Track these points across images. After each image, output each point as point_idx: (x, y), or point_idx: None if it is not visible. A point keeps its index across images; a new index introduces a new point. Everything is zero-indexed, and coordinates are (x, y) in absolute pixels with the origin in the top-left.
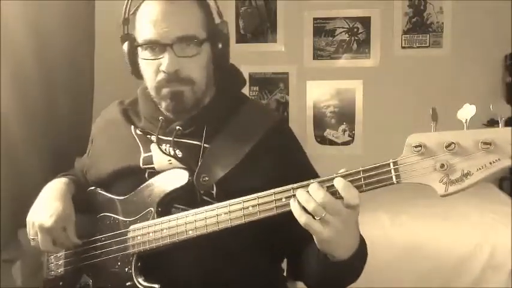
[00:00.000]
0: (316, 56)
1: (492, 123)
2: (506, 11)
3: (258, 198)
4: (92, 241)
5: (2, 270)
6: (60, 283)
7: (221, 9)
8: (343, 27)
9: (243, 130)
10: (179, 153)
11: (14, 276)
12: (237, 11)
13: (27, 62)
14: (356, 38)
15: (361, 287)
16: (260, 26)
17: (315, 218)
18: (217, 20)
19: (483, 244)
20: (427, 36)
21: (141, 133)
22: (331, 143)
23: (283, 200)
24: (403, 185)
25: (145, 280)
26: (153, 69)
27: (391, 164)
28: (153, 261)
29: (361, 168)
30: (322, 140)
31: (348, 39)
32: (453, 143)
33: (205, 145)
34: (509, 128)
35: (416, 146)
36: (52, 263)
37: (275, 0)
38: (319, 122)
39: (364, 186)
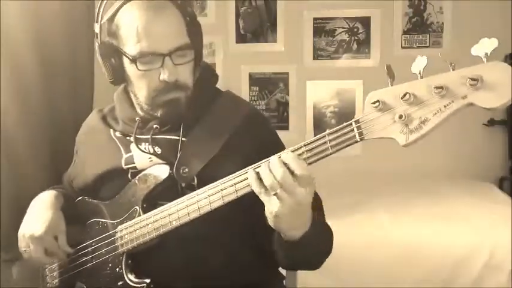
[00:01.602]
0: (316, 56)
1: (492, 123)
2: (506, 11)
3: (234, 178)
4: (83, 247)
5: (2, 270)
6: None
7: (221, 9)
8: (343, 27)
9: (219, 121)
10: (158, 150)
11: (14, 276)
12: (237, 11)
13: (27, 62)
14: (356, 38)
15: (361, 287)
16: (260, 26)
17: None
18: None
19: (483, 244)
20: (427, 36)
21: (120, 135)
22: None
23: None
24: (403, 184)
25: (136, 277)
26: (150, 79)
27: (353, 123)
28: (142, 257)
29: (326, 132)
30: None
31: (348, 39)
32: (408, 93)
33: (183, 139)
34: (459, 70)
35: (374, 102)
36: (47, 276)
37: (275, 0)
38: (319, 122)
39: (330, 148)
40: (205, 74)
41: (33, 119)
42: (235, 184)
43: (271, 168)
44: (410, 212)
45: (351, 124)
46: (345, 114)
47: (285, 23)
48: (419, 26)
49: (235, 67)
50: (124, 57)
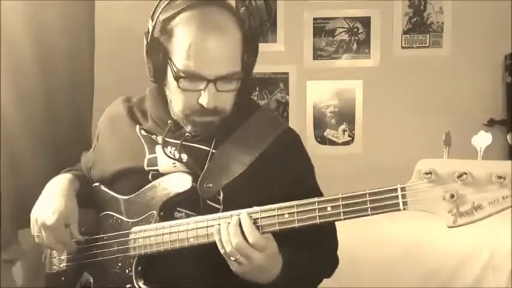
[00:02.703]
0: (316, 56)
1: (492, 123)
2: (506, 11)
3: (261, 212)
4: (94, 239)
5: (2, 270)
6: (62, 278)
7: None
8: (343, 27)
9: (251, 138)
10: (184, 157)
11: (14, 277)
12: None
13: (27, 62)
14: (356, 38)
15: (361, 287)
16: (260, 26)
17: None
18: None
19: (483, 244)
20: (427, 36)
21: (146, 134)
22: (331, 143)
23: (286, 216)
24: (404, 184)
25: (145, 283)
26: (188, 97)
27: (399, 190)
28: (153, 264)
29: (367, 191)
30: (322, 140)
31: (348, 39)
32: (465, 173)
33: (213, 151)
34: None
35: (426, 173)
36: (55, 258)
37: (275, 0)
38: (319, 122)
39: (369, 210)
40: (246, 86)
41: (33, 119)
42: (261, 219)
43: (229, 233)
44: (410, 212)
45: (396, 190)
46: (345, 114)
47: (285, 23)
48: (419, 26)
49: None
50: (170, 63)
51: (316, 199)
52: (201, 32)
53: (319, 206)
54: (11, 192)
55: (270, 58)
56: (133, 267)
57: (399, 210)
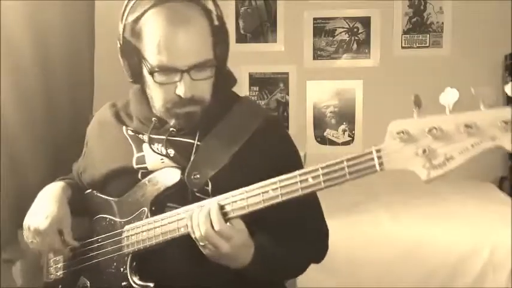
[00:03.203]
0: (316, 56)
1: None
2: (506, 11)
3: (246, 192)
4: (88, 243)
5: (2, 270)
6: (60, 286)
7: (221, 9)
8: (343, 27)
9: (235, 128)
10: (171, 152)
11: (14, 277)
12: (237, 11)
13: (27, 62)
14: (356, 38)
15: (362, 287)
16: (260, 26)
17: None
18: (215, 22)
19: (483, 244)
20: (427, 36)
21: (132, 133)
22: (331, 143)
23: (270, 192)
24: (404, 184)
25: (140, 279)
26: (166, 91)
27: (374, 152)
28: (148, 260)
29: (344, 158)
30: (322, 140)
31: (348, 39)
32: (434, 127)
33: (198, 143)
34: (491, 110)
35: (398, 132)
36: (51, 267)
37: (275, 0)
38: (319, 122)
39: (348, 175)
40: (224, 78)
41: (33, 119)
42: (247, 198)
43: (199, 221)
44: (410, 212)
45: (371, 152)
46: (345, 114)
47: (285, 23)
48: (419, 26)
49: (235, 67)
50: (143, 61)
51: (297, 172)
52: (168, 26)
53: (301, 178)
54: (11, 192)
55: (270, 58)
56: (127, 264)
57: (376, 171)
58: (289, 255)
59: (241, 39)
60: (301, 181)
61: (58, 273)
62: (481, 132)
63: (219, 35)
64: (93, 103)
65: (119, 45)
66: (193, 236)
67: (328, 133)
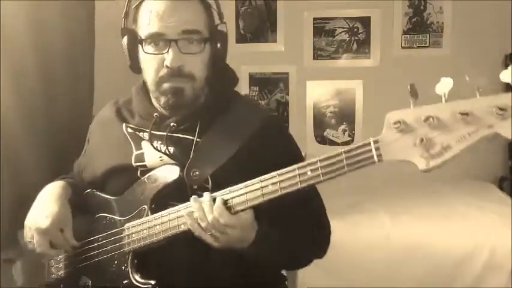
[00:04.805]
0: (316, 56)
1: None
2: (506, 11)
3: (245, 187)
4: (89, 242)
5: (2, 270)
6: (61, 285)
7: (221, 9)
8: (343, 27)
9: (235, 126)
10: (171, 149)
11: (14, 276)
12: (237, 11)
13: (27, 61)
14: (356, 38)
15: (362, 287)
16: (260, 26)
17: None
18: (217, 21)
19: (483, 244)
20: (427, 36)
21: (132, 131)
22: (331, 143)
23: (270, 187)
24: (403, 184)
25: (141, 277)
26: (155, 63)
27: (372, 143)
28: (149, 258)
29: (342, 150)
30: (322, 140)
31: (348, 39)
32: (431, 116)
33: (197, 139)
34: (487, 97)
35: (395, 123)
36: (53, 266)
37: (275, 0)
38: (319, 122)
39: (346, 167)
40: (225, 76)
41: (33, 119)
42: (246, 193)
43: (204, 211)
44: (410, 212)
45: (369, 143)
46: (345, 114)
47: (285, 23)
48: (419, 26)
49: (235, 67)
50: (138, 40)
51: (295, 166)
52: (162, 1)
53: (300, 172)
54: (10, 192)
55: (270, 58)
56: (129, 263)
57: (374, 163)
58: (291, 241)
59: (241, 39)
60: (300, 174)
61: (59, 273)
62: (478, 120)
63: (215, 22)
64: (93, 102)
65: (122, 37)
66: (196, 232)
67: (328, 133)
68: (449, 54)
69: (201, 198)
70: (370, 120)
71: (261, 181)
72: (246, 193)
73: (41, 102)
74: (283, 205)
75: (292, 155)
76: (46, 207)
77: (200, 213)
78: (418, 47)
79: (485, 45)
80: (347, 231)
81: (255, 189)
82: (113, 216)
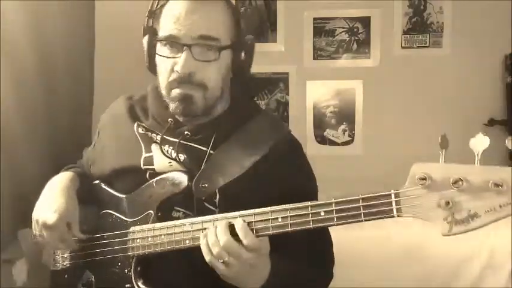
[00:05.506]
0: (316, 56)
1: (492, 123)
2: (506, 11)
3: (255, 215)
4: (95, 238)
5: (2, 270)
6: (65, 276)
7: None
8: (343, 27)
9: (252, 142)
10: (181, 157)
11: (14, 277)
12: None
13: (27, 62)
14: (356, 38)
15: (362, 287)
16: (260, 26)
17: None
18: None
19: (483, 244)
20: (427, 36)
21: (143, 132)
22: (331, 143)
23: (280, 219)
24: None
25: (143, 283)
26: (168, 67)
27: (393, 196)
28: (152, 264)
29: (360, 196)
30: (322, 140)
31: (348, 39)
32: (461, 179)
33: (211, 151)
34: None
35: (421, 178)
36: (58, 255)
37: (275, 0)
38: (319, 122)
39: (363, 215)
40: (247, 87)
41: (33, 118)
42: (254, 222)
43: (217, 235)
44: None
45: (390, 195)
46: (345, 114)
47: (285, 23)
48: (419, 26)
49: None
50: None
51: (308, 203)
52: (187, 3)
53: (313, 211)
54: (10, 192)
55: (270, 58)
56: (132, 267)
57: (393, 217)
58: (299, 276)
59: None
60: (312, 213)
61: (65, 263)
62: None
63: (240, 38)
64: (93, 102)
65: (144, 36)
66: (207, 258)
67: (328, 133)
68: (449, 54)
69: (217, 222)
70: (370, 120)
71: (272, 212)
72: (254, 222)
73: (41, 102)
74: (290, 237)
75: (306, 187)
76: (54, 201)
77: (212, 237)
78: (418, 47)
79: (485, 45)
80: (347, 231)
81: (264, 220)
82: (120, 216)
